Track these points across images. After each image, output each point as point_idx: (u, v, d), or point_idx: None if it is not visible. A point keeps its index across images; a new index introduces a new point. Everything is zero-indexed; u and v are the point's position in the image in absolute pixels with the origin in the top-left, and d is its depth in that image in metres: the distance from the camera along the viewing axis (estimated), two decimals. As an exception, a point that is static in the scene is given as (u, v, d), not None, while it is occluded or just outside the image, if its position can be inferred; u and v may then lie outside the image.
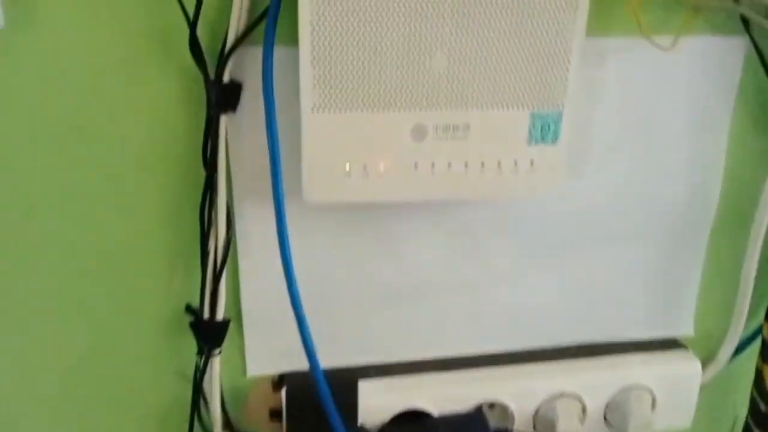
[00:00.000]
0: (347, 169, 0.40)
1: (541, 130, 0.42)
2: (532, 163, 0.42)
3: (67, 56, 0.39)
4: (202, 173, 0.42)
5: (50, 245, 0.43)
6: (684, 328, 0.57)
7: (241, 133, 0.42)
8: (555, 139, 0.42)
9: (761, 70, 0.48)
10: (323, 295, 0.49)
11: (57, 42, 0.39)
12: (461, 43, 0.38)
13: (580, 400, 0.53)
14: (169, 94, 0.41)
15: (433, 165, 0.41)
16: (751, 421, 0.55)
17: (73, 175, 0.42)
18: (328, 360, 0.50)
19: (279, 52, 0.40)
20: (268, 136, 0.40)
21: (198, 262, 0.45)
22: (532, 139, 0.42)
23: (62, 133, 0.41)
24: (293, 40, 0.37)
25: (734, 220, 0.54)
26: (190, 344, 0.47)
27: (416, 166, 0.41)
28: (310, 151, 0.40)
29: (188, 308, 0.47)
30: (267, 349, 0.49)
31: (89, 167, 0.42)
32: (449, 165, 0.41)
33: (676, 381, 0.55)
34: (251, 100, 0.41)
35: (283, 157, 0.41)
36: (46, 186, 0.42)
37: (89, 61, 0.39)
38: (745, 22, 0.46)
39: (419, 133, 0.40)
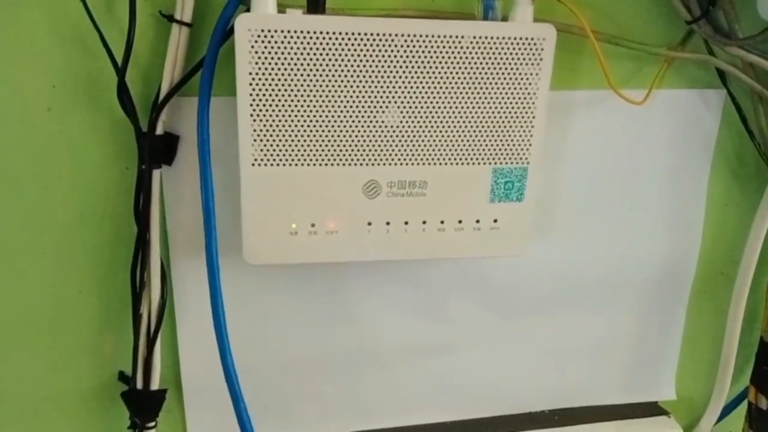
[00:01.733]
0: (293, 227, 0.37)
1: (505, 187, 0.39)
2: (495, 222, 0.39)
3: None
4: (135, 230, 0.38)
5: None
6: (665, 391, 0.54)
7: (179, 186, 0.39)
8: (520, 197, 0.39)
9: (739, 123, 0.45)
10: (272, 362, 0.45)
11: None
12: (416, 96, 0.35)
13: (553, 473, 0.49)
14: (99, 144, 0.37)
15: (388, 223, 0.38)
16: (738, 495, 0.51)
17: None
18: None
19: (220, 102, 0.37)
20: (202, 195, 0.36)
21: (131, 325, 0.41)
22: (494, 196, 0.39)
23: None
24: (234, 89, 0.34)
25: (716, 277, 0.51)
26: (125, 415, 0.43)
27: (370, 225, 0.38)
28: (251, 209, 0.36)
29: (121, 376, 0.43)
30: (210, 421, 0.45)
31: (13, 222, 0.38)
32: (406, 223, 0.38)
33: (657, 451, 0.51)
34: (190, 152, 0.38)
35: (226, 210, 0.38)
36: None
37: (11, 108, 0.36)
38: (721, 74, 0.43)
39: (372, 189, 0.37)
